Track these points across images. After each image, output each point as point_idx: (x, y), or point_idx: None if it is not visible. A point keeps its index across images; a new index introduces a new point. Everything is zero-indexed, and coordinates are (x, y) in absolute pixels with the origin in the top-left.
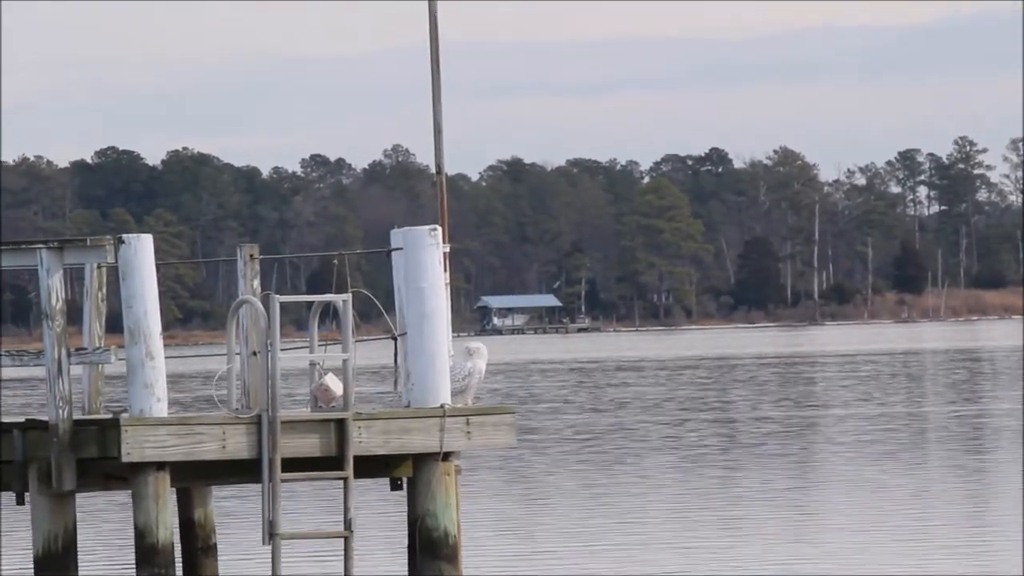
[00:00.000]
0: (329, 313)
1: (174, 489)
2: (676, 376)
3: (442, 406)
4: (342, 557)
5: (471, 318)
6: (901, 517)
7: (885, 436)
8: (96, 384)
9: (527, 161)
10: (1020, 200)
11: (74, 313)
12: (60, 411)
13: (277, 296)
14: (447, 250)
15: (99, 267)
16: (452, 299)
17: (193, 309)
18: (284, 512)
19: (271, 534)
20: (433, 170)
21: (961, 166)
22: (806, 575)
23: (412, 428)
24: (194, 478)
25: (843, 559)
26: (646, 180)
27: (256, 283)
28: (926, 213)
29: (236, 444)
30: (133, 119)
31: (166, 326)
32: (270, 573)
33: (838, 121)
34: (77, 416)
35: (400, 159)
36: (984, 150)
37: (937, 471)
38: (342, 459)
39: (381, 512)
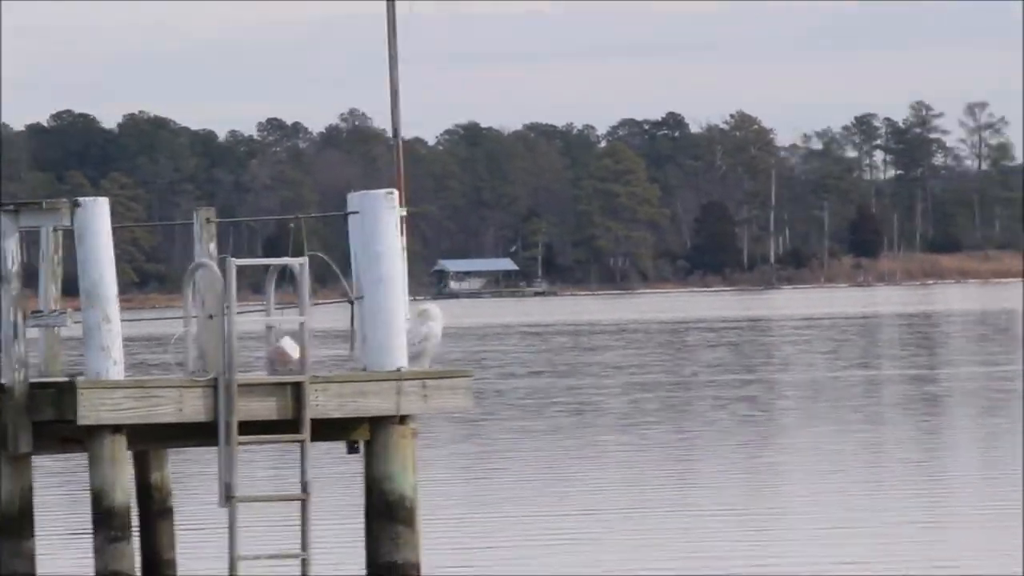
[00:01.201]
0: (286, 277)
1: (131, 452)
2: (631, 340)
3: (398, 369)
4: (299, 520)
5: (427, 282)
6: (859, 491)
7: (840, 402)
8: (52, 347)
9: (484, 125)
10: (976, 165)
11: (30, 276)
12: (16, 374)
13: (233, 259)
14: (404, 214)
15: (55, 230)
16: (409, 263)
17: (149, 272)
18: (241, 475)
19: (228, 497)
20: (390, 134)
21: (917, 131)
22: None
23: (368, 391)
24: (151, 441)
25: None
26: (603, 145)
27: (212, 246)
28: (882, 178)
29: (193, 407)
30: (89, 83)
31: (122, 289)
32: (227, 536)
33: (794, 86)
34: (33, 379)
35: (356, 123)
36: (940, 115)
37: (891, 435)
38: (299, 422)
39: (338, 475)
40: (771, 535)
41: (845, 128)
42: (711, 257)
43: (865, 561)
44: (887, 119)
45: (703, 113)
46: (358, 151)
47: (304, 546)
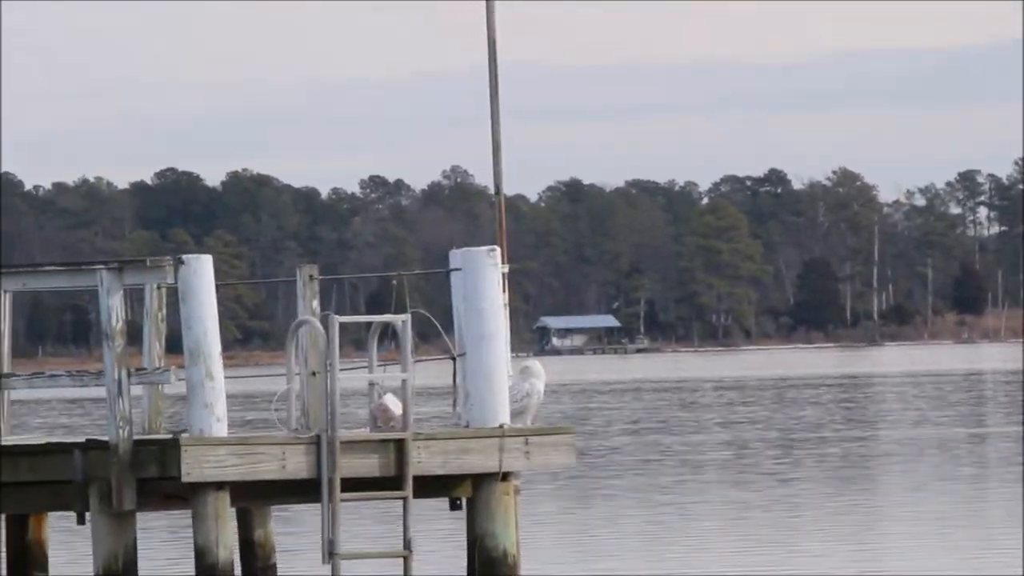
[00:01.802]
0: (388, 333)
1: (234, 509)
2: (735, 396)
3: (501, 426)
4: None
5: (530, 339)
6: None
7: (938, 457)
8: (156, 404)
9: (586, 182)
10: None
11: (134, 333)
12: (120, 431)
13: (336, 316)
14: (506, 271)
15: (159, 287)
16: (511, 319)
17: (253, 329)
18: (344, 532)
19: (331, 554)
20: (492, 191)
21: (1021, 187)
22: None
23: (471, 448)
24: (254, 498)
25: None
26: (705, 201)
27: (315, 303)
28: (986, 234)
29: (296, 464)
30: (193, 141)
31: (226, 346)
32: None
33: (898, 142)
34: (137, 436)
35: (459, 180)
36: None
37: (981, 493)
38: (401, 479)
39: (440, 532)
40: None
41: (948, 184)
42: (814, 313)
43: None
44: (991, 175)
45: (805, 169)
46: (460, 208)
47: None
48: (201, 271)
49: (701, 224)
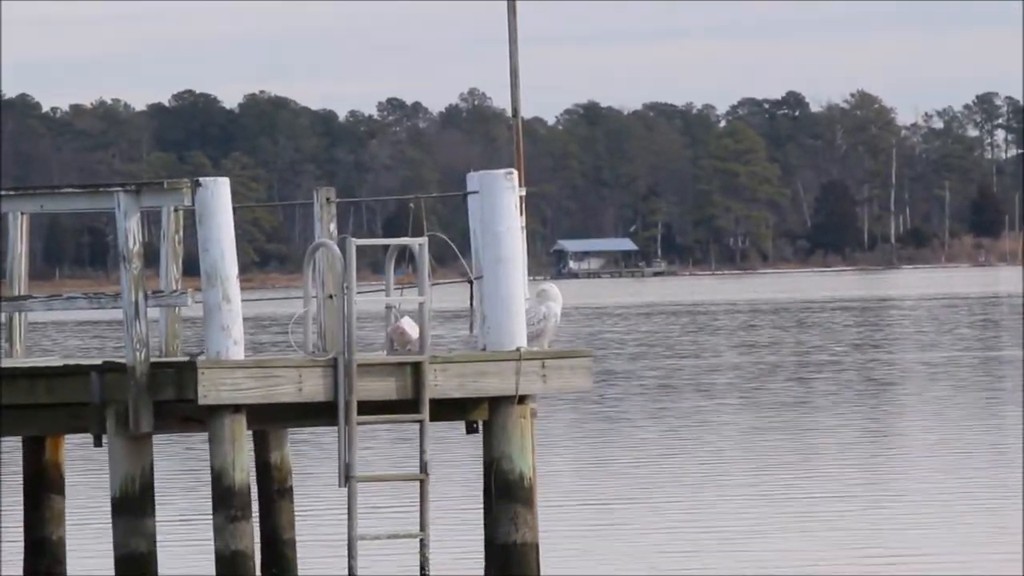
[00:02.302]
0: (405, 257)
1: (250, 431)
2: (750, 321)
3: (518, 349)
4: (418, 499)
5: (547, 262)
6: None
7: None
8: (173, 327)
9: (603, 105)
10: None
11: (151, 256)
12: (137, 353)
13: (354, 239)
14: (523, 193)
15: (176, 210)
16: (528, 243)
17: (270, 252)
18: (360, 455)
19: (347, 476)
20: (509, 114)
21: None
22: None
23: (488, 371)
24: (270, 421)
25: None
26: (722, 124)
27: (333, 226)
28: (1004, 157)
29: (312, 387)
30: (210, 63)
31: (243, 269)
32: (346, 515)
33: (916, 65)
34: (154, 359)
35: (476, 103)
36: None
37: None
38: (418, 402)
39: (457, 455)
40: (885, 527)
41: (966, 107)
42: (831, 237)
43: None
44: (1008, 97)
45: (823, 92)
46: (478, 131)
47: (422, 526)
48: (218, 193)
49: (718, 147)
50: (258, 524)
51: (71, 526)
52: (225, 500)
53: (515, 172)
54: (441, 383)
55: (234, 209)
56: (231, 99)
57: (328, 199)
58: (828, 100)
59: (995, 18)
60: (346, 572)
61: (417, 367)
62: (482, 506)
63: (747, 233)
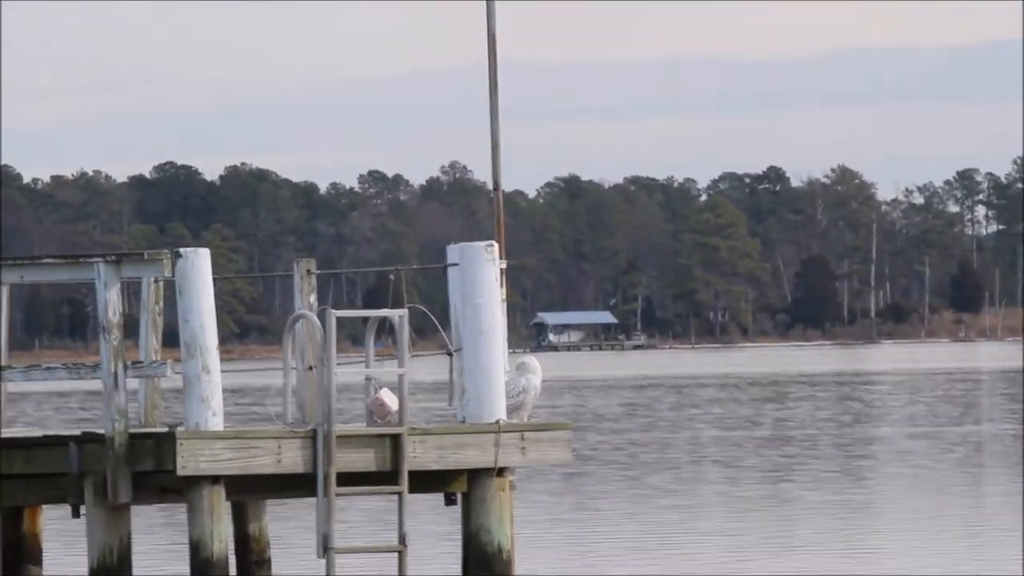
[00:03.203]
0: (385, 328)
1: (229, 503)
2: (730, 395)
3: (497, 422)
4: (396, 572)
5: (527, 334)
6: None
7: (935, 456)
8: (152, 397)
9: (584, 178)
10: None
11: (131, 327)
12: (116, 424)
13: (333, 311)
14: (504, 266)
15: (156, 281)
16: (508, 315)
17: (250, 323)
18: (339, 527)
19: (326, 548)
20: (490, 186)
21: (1020, 185)
22: None
23: (467, 443)
24: (249, 492)
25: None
26: (703, 198)
27: (313, 298)
28: (984, 233)
29: (291, 458)
30: (192, 135)
31: (223, 340)
32: None
33: (896, 140)
34: (133, 429)
35: (457, 175)
36: None
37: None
38: (397, 474)
39: (435, 527)
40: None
41: (947, 183)
42: (811, 311)
43: None
44: (989, 174)
45: (804, 167)
46: (459, 203)
47: None
48: (198, 264)
49: (699, 221)
50: None
51: None
52: (203, 571)
53: (495, 245)
54: (420, 455)
55: (214, 280)
56: (212, 171)
57: (308, 271)
58: (809, 175)
59: (976, 94)
60: None
61: (396, 439)
62: None
63: (727, 307)
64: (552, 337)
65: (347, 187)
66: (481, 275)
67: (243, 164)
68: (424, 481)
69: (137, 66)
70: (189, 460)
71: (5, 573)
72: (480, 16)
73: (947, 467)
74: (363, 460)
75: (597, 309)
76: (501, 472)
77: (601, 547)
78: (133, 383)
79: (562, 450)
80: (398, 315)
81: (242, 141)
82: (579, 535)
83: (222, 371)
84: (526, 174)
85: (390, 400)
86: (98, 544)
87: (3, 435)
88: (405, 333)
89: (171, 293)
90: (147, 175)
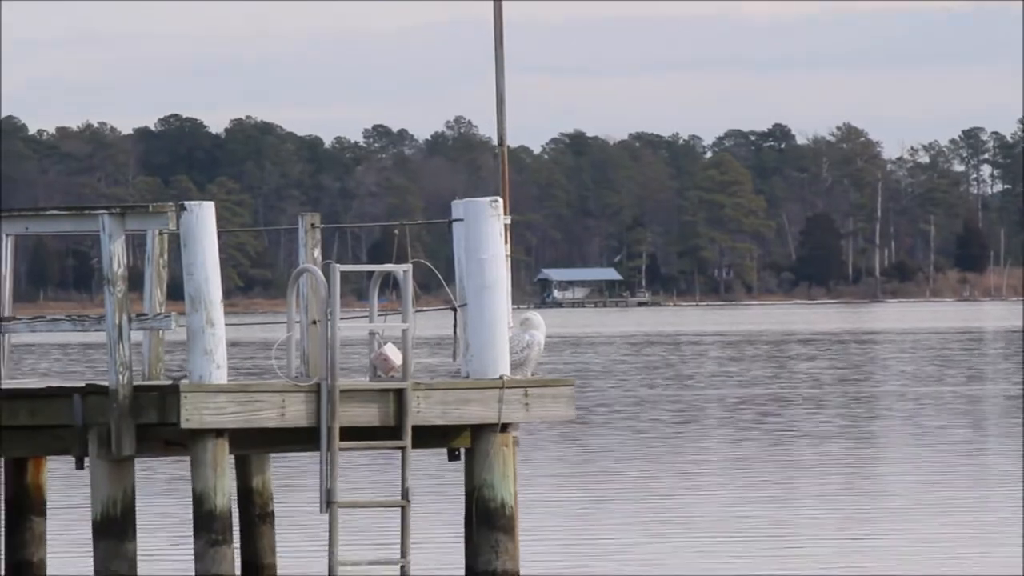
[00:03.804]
0: (389, 283)
1: (232, 456)
2: (736, 351)
3: (501, 377)
4: (399, 526)
5: (531, 291)
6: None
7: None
8: (156, 350)
9: (589, 134)
10: None
11: (136, 279)
12: (120, 376)
13: (338, 265)
14: (508, 222)
15: (161, 234)
16: (512, 271)
17: (254, 277)
18: (342, 481)
19: (328, 502)
20: (495, 142)
21: None
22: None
23: (471, 399)
24: (253, 445)
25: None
26: (708, 155)
27: (317, 252)
28: (989, 192)
29: (295, 412)
30: (197, 87)
31: (227, 294)
32: (327, 541)
33: (902, 99)
34: (137, 382)
35: (462, 131)
36: None
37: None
38: (400, 429)
39: (438, 482)
40: (868, 547)
41: (952, 142)
42: (816, 269)
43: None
44: (995, 133)
45: (810, 125)
46: (463, 159)
47: (403, 552)
48: (203, 218)
49: (704, 178)
50: (239, 549)
51: (52, 548)
52: (206, 524)
53: (500, 200)
54: (424, 410)
55: (219, 233)
56: (217, 124)
57: (313, 225)
58: (814, 133)
59: (982, 54)
60: None
61: (400, 394)
62: (464, 534)
63: (732, 264)
64: (556, 293)
65: (352, 141)
66: (485, 230)
67: (248, 117)
68: (427, 436)
69: (143, 18)
70: (193, 413)
71: (9, 524)
72: None
73: (950, 428)
74: (367, 415)
75: (602, 266)
76: (505, 428)
77: (602, 501)
78: (138, 336)
79: (565, 406)
80: (402, 270)
81: (247, 94)
82: (581, 490)
83: (226, 324)
84: (531, 130)
85: (394, 355)
86: (102, 496)
87: (7, 387)
88: (409, 288)
89: (176, 246)
90: (152, 127)
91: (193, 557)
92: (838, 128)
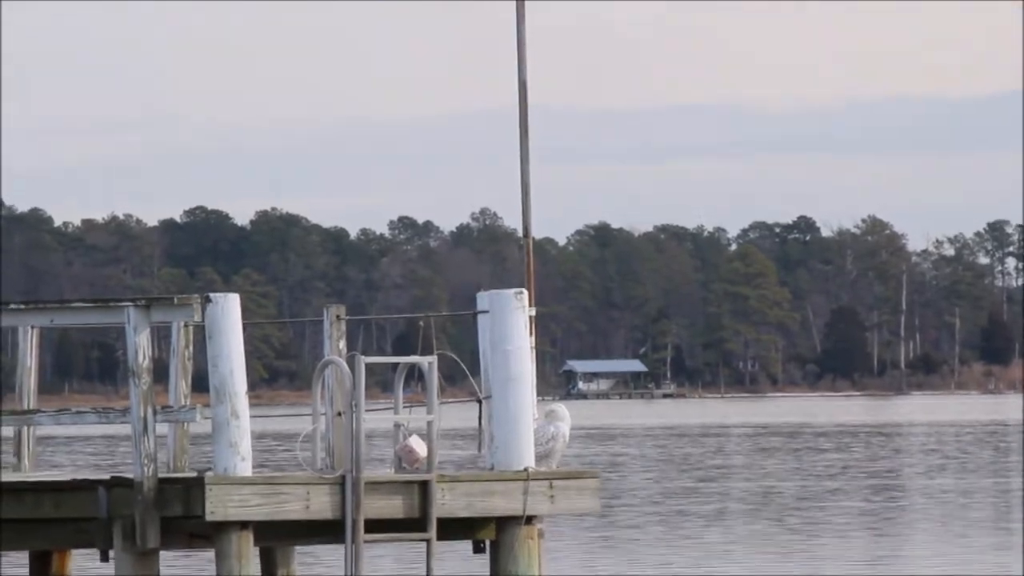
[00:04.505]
0: (415, 375)
1: (257, 548)
2: (761, 443)
3: (526, 469)
4: None
5: (556, 382)
6: None
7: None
8: (181, 442)
9: (614, 226)
10: None
11: (160, 371)
12: (145, 468)
13: (363, 357)
14: (533, 313)
15: (186, 326)
16: (537, 363)
17: (279, 369)
18: (367, 573)
19: None
20: (520, 233)
21: None
22: None
23: (495, 491)
24: (277, 537)
25: None
26: (733, 247)
27: (342, 344)
28: (1014, 284)
29: (320, 504)
30: (222, 179)
31: (252, 385)
32: None
33: (927, 191)
34: (162, 474)
35: (487, 222)
36: None
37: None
38: (425, 521)
39: (464, 575)
40: None
41: (977, 234)
42: (841, 361)
43: None
44: (1020, 225)
45: (834, 217)
46: (488, 250)
47: None
48: (228, 309)
49: (729, 270)
50: None
51: None
52: None
53: (525, 292)
54: (448, 502)
55: (244, 325)
56: (242, 216)
57: (338, 316)
58: (839, 225)
59: (1008, 144)
60: None
61: (425, 485)
62: None
63: (757, 356)
64: (581, 385)
65: (377, 233)
66: (511, 322)
67: (273, 209)
68: (452, 528)
69: (167, 108)
70: (218, 506)
71: None
72: (511, 59)
73: (971, 520)
74: (391, 507)
75: (627, 357)
76: (530, 520)
77: None
78: (163, 428)
79: (590, 498)
80: (427, 362)
81: (272, 186)
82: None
83: (251, 416)
84: (556, 221)
85: (419, 447)
86: None
87: (32, 479)
88: (434, 379)
89: (201, 338)
90: (177, 219)
91: None
92: (863, 220)
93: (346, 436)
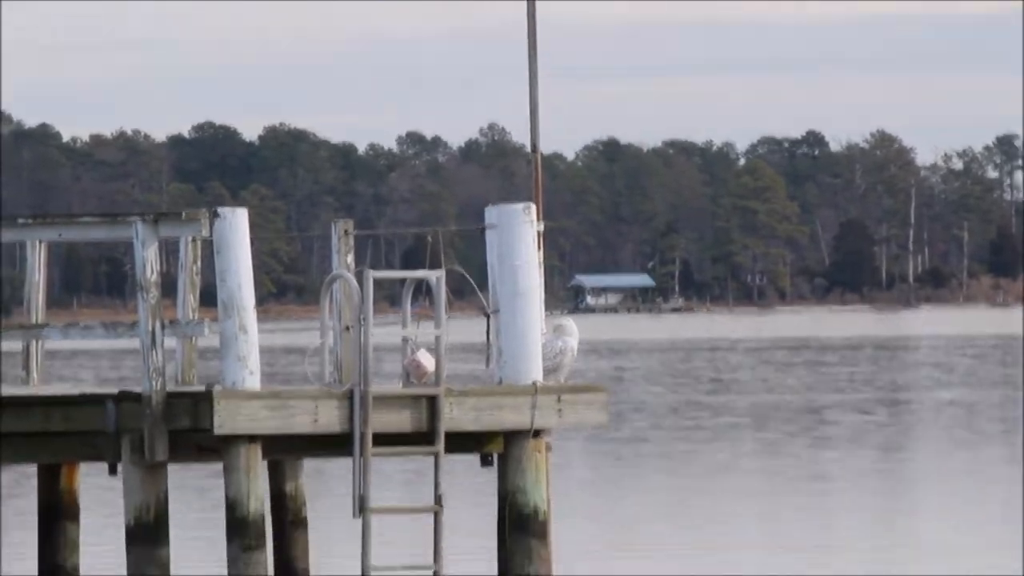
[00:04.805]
0: (423, 289)
1: (265, 461)
2: (767, 359)
3: (534, 383)
4: (432, 532)
5: (564, 296)
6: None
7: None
8: (189, 356)
9: (623, 141)
10: None
11: (169, 286)
12: (153, 383)
13: (371, 271)
14: (541, 228)
15: (194, 240)
16: (545, 277)
17: (287, 283)
18: (375, 487)
19: (361, 508)
20: (529, 148)
21: None
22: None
23: (503, 405)
24: (286, 451)
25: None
26: (742, 162)
27: (350, 258)
28: (1022, 198)
29: (328, 418)
30: (231, 94)
31: (260, 300)
32: (360, 547)
33: (936, 105)
34: (170, 388)
35: (496, 137)
36: None
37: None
38: (433, 435)
39: (471, 488)
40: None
41: (986, 148)
42: (849, 275)
43: None
44: None
45: (843, 131)
46: (497, 165)
47: (436, 558)
48: (236, 224)
49: (738, 185)
50: (272, 554)
51: (85, 554)
52: (239, 530)
53: (533, 207)
54: (456, 416)
55: (252, 240)
56: (251, 131)
57: (346, 231)
58: (848, 139)
59: (1016, 60)
60: None
61: (433, 400)
62: (496, 539)
63: (765, 270)
64: (589, 299)
65: (385, 148)
66: (519, 237)
67: (281, 124)
68: (460, 442)
69: (176, 25)
70: (226, 419)
71: (42, 530)
72: None
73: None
74: (399, 421)
75: (635, 272)
76: (537, 433)
77: (634, 507)
78: (171, 342)
79: (598, 412)
80: (435, 276)
81: (280, 101)
82: (614, 496)
83: (259, 330)
84: (565, 136)
85: (427, 361)
86: (135, 502)
87: (41, 393)
88: (442, 294)
89: (209, 252)
90: (186, 134)
91: (226, 562)
92: (872, 134)
93: (354, 350)
